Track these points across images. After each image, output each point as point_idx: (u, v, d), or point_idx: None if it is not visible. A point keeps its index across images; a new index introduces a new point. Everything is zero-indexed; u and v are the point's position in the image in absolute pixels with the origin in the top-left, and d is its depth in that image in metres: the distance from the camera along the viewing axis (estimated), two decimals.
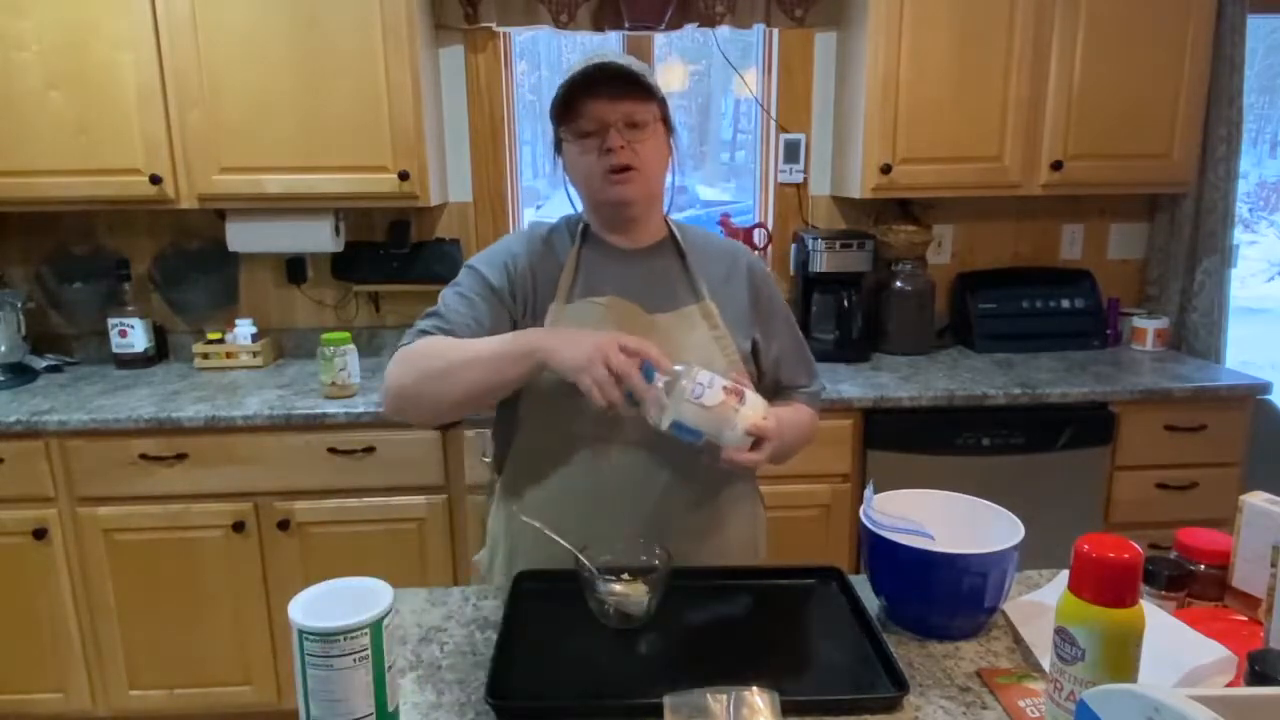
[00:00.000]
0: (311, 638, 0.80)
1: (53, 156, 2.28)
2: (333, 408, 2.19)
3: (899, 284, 2.68)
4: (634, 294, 1.28)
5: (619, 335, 1.08)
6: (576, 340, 1.07)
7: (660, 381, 1.06)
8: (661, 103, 1.25)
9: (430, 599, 1.20)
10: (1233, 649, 0.94)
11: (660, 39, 2.77)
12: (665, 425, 1.07)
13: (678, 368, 1.08)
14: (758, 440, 1.10)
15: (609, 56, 1.21)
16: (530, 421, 1.28)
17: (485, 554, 1.41)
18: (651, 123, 1.24)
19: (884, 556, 1.09)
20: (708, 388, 1.07)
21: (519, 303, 1.27)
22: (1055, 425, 2.31)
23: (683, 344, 1.26)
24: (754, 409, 1.09)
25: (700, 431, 1.08)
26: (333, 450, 2.21)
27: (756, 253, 2.52)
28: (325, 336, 2.27)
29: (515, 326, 1.25)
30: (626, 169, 1.22)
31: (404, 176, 2.34)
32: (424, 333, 1.22)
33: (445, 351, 1.16)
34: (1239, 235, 2.81)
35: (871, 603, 1.14)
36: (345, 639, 0.81)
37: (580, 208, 1.34)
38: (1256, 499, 1.06)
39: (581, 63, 1.21)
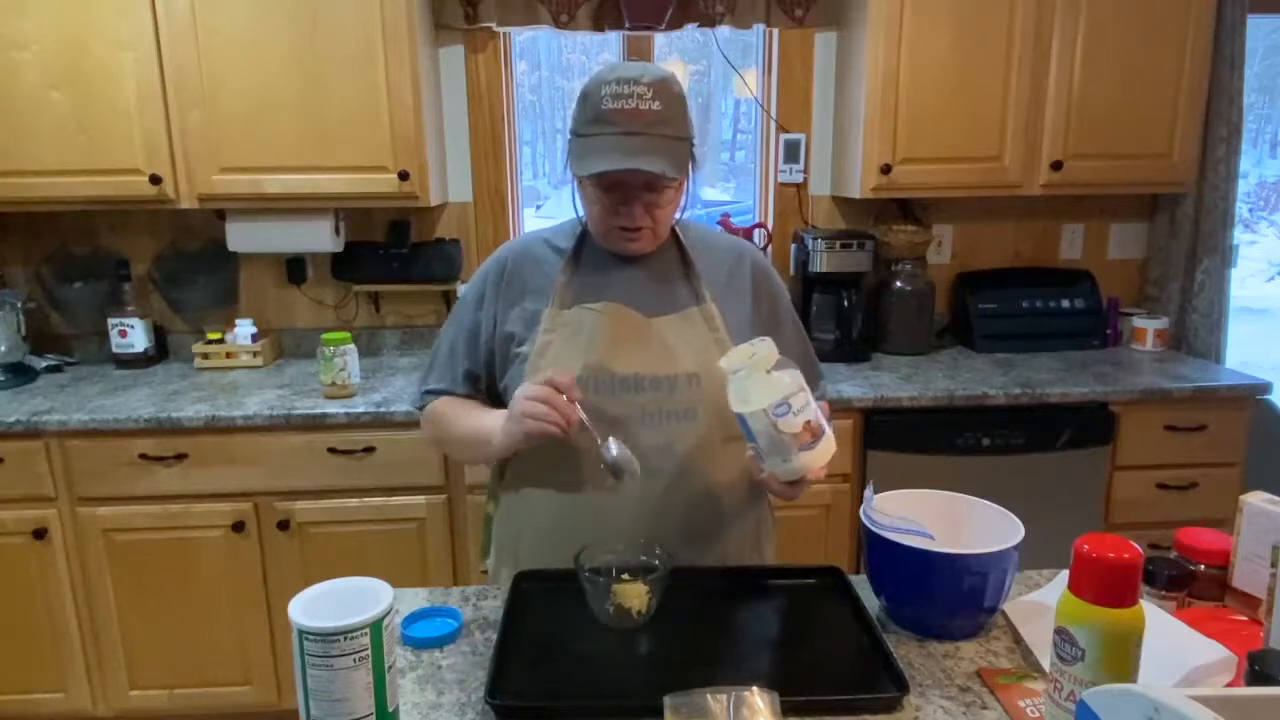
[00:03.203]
0: (311, 638, 0.80)
1: (53, 156, 2.28)
2: (333, 408, 2.19)
3: (899, 284, 2.68)
4: (632, 298, 1.27)
5: (527, 383, 1.17)
6: (506, 418, 1.20)
7: (743, 368, 1.07)
8: (690, 147, 1.21)
9: (430, 599, 1.20)
10: (1233, 649, 0.94)
11: (660, 39, 2.77)
12: (735, 410, 1.09)
13: (786, 379, 1.06)
14: (799, 479, 1.10)
15: (648, 131, 1.13)
16: None
17: (493, 560, 1.42)
18: (671, 186, 1.21)
19: (884, 556, 1.09)
20: (792, 413, 1.05)
21: (500, 315, 1.31)
22: (1055, 425, 2.31)
23: (682, 347, 1.25)
24: (821, 455, 1.08)
25: (758, 442, 1.08)
26: (333, 450, 2.21)
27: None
28: (325, 336, 2.27)
29: (493, 335, 1.32)
30: (639, 228, 1.22)
31: (404, 176, 2.35)
32: (433, 392, 1.37)
33: (447, 423, 1.34)
34: (1239, 235, 2.81)
35: (871, 603, 1.14)
36: (345, 639, 0.81)
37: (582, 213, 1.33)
38: (1256, 499, 1.06)
39: (619, 106, 1.13)
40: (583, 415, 1.15)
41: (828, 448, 1.09)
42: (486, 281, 1.34)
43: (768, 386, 1.05)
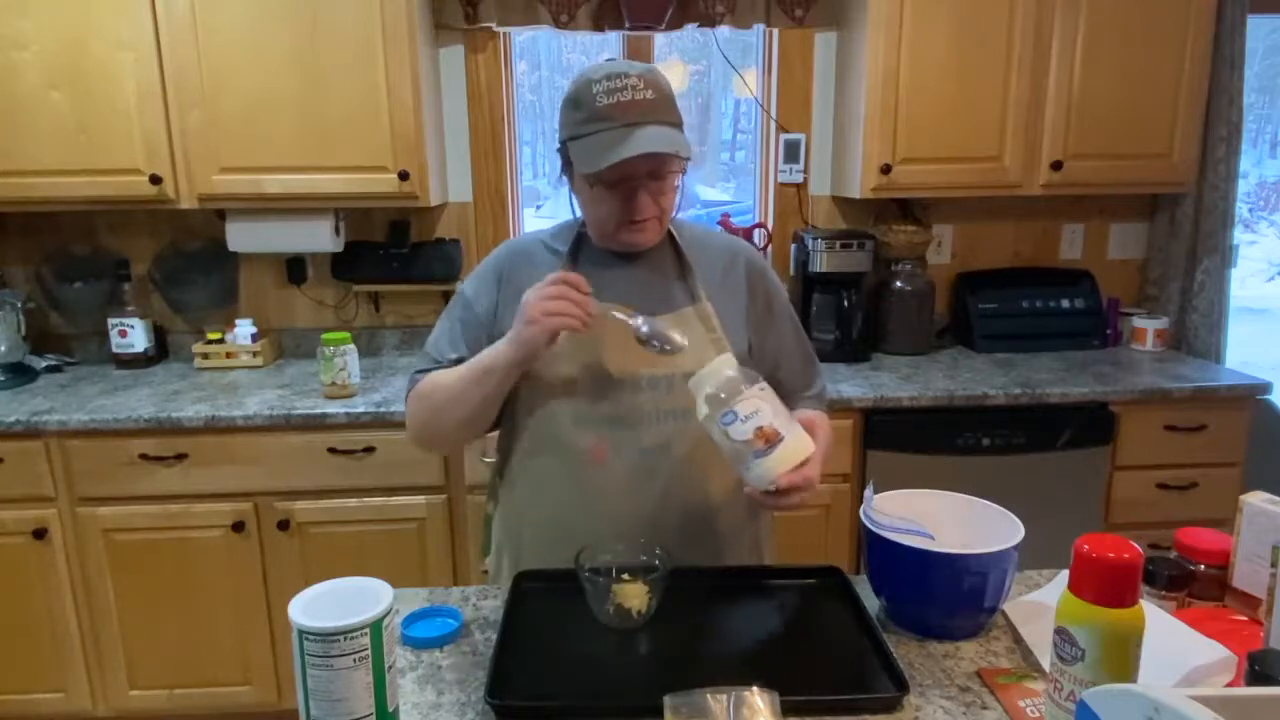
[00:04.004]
0: (311, 638, 0.80)
1: (53, 156, 2.28)
2: (333, 408, 2.19)
3: (899, 284, 2.68)
4: (629, 298, 1.27)
5: (537, 287, 1.15)
6: (517, 324, 1.16)
7: (700, 380, 1.10)
8: (684, 132, 1.21)
9: (430, 599, 1.20)
10: (1233, 649, 0.94)
11: (660, 39, 2.77)
12: (700, 416, 1.10)
13: (748, 371, 1.09)
14: (772, 489, 1.07)
15: (647, 120, 1.14)
16: (529, 429, 1.28)
17: (493, 559, 1.42)
18: (675, 171, 1.21)
19: (884, 556, 1.09)
20: (739, 420, 1.05)
21: (499, 311, 1.30)
22: (1055, 425, 2.31)
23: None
24: (779, 461, 1.05)
25: (723, 452, 1.09)
26: (333, 450, 2.21)
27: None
28: (325, 336, 2.27)
29: (491, 327, 1.30)
30: (648, 218, 1.22)
31: (404, 176, 2.35)
32: (420, 372, 1.33)
33: (439, 385, 1.27)
34: (1239, 235, 2.81)
35: (871, 603, 1.14)
36: (345, 639, 0.81)
37: (580, 214, 1.33)
38: (1256, 499, 1.06)
39: (614, 101, 1.13)
40: (601, 306, 1.15)
41: (788, 454, 1.06)
42: (486, 280, 1.33)
43: (720, 396, 1.07)
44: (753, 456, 1.05)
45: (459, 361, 1.30)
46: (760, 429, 1.05)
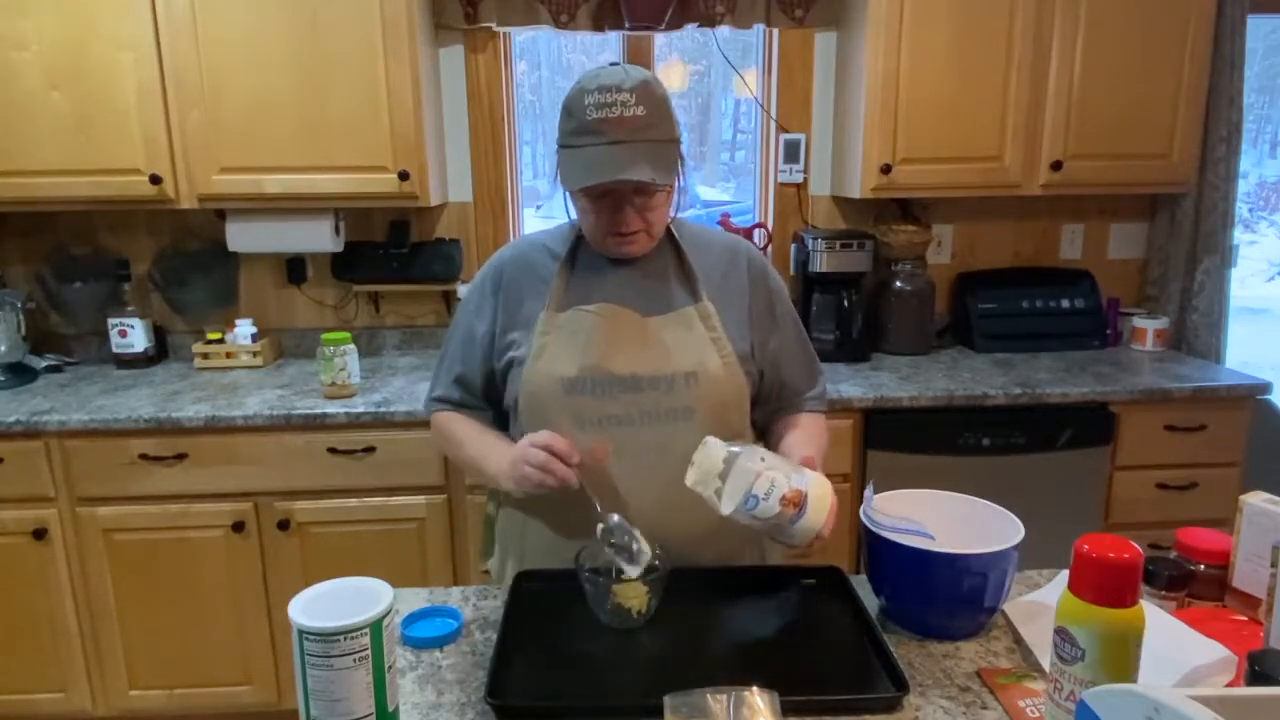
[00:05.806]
0: (311, 638, 0.80)
1: (53, 156, 2.28)
2: (333, 408, 2.19)
3: (899, 284, 2.68)
4: (628, 298, 1.27)
5: (528, 439, 1.17)
6: (505, 469, 1.21)
7: (701, 479, 1.06)
8: (677, 147, 1.21)
9: (430, 599, 1.20)
10: (1233, 649, 0.94)
11: (660, 39, 2.77)
12: (724, 512, 1.06)
13: (735, 449, 1.06)
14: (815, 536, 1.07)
15: (635, 138, 1.14)
16: (530, 430, 1.28)
17: (496, 560, 1.42)
18: (664, 189, 1.21)
19: (884, 556, 1.09)
20: (762, 500, 1.03)
21: (500, 322, 1.32)
22: (1055, 425, 2.31)
23: (679, 346, 1.25)
24: (815, 517, 1.04)
25: (756, 529, 1.08)
26: (333, 450, 2.21)
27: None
28: (325, 336, 2.27)
29: (492, 340, 1.33)
30: (634, 232, 1.22)
31: (404, 176, 2.35)
32: (439, 400, 1.39)
33: (456, 446, 1.36)
34: (1239, 235, 2.81)
35: (871, 603, 1.14)
36: (345, 639, 0.81)
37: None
38: (1256, 499, 1.06)
39: (602, 115, 1.13)
40: (583, 482, 1.15)
41: (819, 503, 1.05)
42: (485, 289, 1.34)
43: (730, 488, 1.05)
44: (790, 524, 1.04)
45: (462, 378, 1.36)
46: (784, 498, 1.04)
